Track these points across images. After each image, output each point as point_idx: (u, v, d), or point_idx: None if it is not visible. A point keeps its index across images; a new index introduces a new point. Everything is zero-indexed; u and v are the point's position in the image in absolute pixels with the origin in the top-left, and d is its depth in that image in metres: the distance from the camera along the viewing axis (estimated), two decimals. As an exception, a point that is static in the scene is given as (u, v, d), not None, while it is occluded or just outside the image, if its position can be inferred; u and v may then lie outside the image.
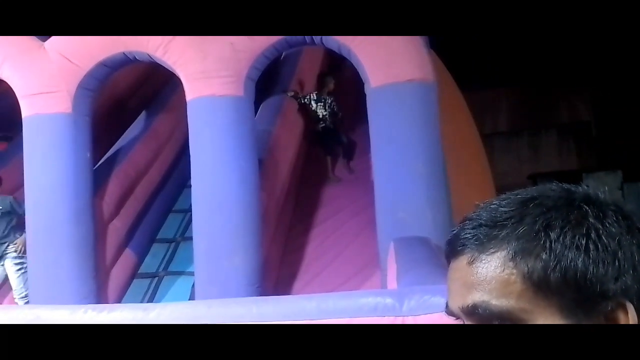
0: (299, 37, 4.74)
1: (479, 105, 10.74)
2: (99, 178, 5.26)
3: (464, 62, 9.92)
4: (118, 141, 6.18)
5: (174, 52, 4.77)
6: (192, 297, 4.97)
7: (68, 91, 4.82)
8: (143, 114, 6.71)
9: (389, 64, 4.54)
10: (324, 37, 4.68)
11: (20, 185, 5.08)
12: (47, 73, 4.84)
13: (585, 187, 0.80)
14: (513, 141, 13.89)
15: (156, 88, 7.12)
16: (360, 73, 4.71)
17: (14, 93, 4.97)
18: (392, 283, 3.54)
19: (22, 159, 4.98)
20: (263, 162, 5.23)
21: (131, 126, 6.50)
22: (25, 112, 4.88)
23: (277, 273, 5.30)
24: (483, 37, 10.53)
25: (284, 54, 6.32)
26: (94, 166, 5.30)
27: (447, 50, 7.33)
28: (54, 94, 4.81)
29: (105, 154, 5.93)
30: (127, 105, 7.03)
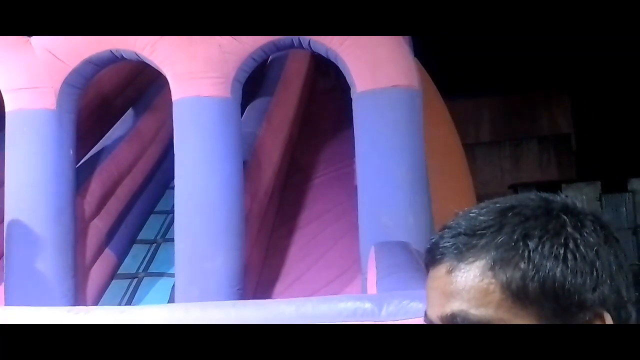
0: (287, 40, 4.74)
1: (462, 115, 10.82)
2: (81, 176, 5.20)
3: (447, 73, 9.98)
4: (101, 140, 6.12)
5: (161, 51, 4.74)
6: (171, 299, 4.94)
7: (53, 87, 4.77)
8: (128, 114, 6.65)
9: (376, 70, 4.56)
10: (311, 41, 4.69)
11: (2, 183, 5.01)
12: (32, 68, 4.78)
13: (564, 197, 0.81)
14: (495, 151, 14.02)
15: (141, 88, 7.07)
16: (346, 78, 4.72)
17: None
18: (372, 288, 3.55)
19: (4, 156, 4.91)
20: (247, 164, 5.21)
21: (115, 125, 6.45)
22: (8, 106, 4.81)
23: (258, 275, 5.28)
24: (467, 48, 10.61)
25: (270, 57, 6.31)
26: (77, 164, 5.25)
27: (431, 60, 7.38)
28: (38, 89, 4.75)
29: (88, 152, 5.87)
30: (112, 104, 6.97)
